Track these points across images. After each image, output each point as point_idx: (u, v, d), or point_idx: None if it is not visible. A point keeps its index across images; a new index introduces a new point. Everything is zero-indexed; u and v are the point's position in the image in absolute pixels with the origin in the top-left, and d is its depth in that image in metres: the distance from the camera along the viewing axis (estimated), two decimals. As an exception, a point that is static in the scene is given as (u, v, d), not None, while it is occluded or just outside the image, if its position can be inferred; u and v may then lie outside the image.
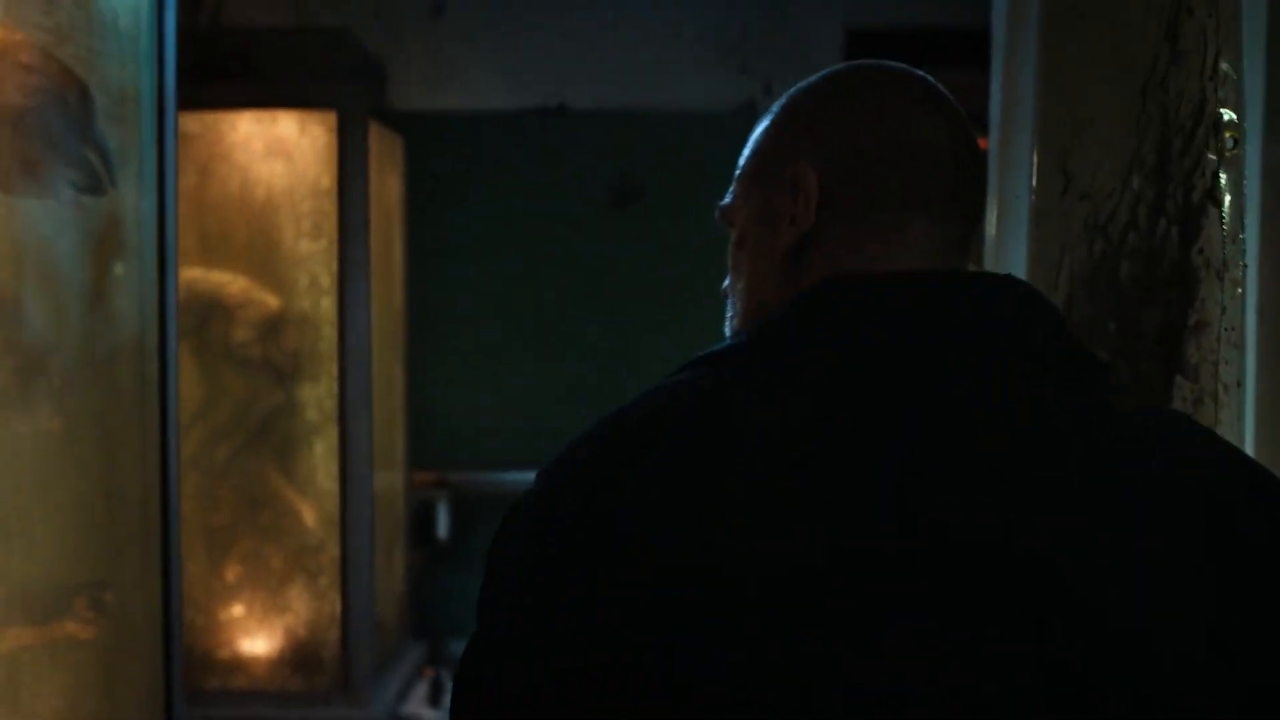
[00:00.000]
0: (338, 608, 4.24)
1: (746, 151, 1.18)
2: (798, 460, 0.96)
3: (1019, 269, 1.95)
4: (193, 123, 4.16)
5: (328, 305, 4.30)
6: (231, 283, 4.32)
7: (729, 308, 1.19)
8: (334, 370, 4.26)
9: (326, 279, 4.29)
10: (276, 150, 4.27)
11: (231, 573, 4.39)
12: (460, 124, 5.27)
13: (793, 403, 1.00)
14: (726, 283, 1.20)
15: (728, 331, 1.19)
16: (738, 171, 1.19)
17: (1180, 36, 1.47)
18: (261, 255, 4.33)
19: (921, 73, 1.13)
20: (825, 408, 0.99)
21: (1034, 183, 1.87)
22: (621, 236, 5.43)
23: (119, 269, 2.36)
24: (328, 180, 4.25)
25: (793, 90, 1.17)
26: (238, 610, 4.34)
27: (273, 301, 4.32)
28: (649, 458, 0.98)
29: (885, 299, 1.04)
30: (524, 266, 5.33)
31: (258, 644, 4.31)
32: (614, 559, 0.96)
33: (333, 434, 4.28)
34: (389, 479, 4.77)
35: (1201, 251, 1.50)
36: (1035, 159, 1.84)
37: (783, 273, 1.11)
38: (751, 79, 5.48)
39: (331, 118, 4.22)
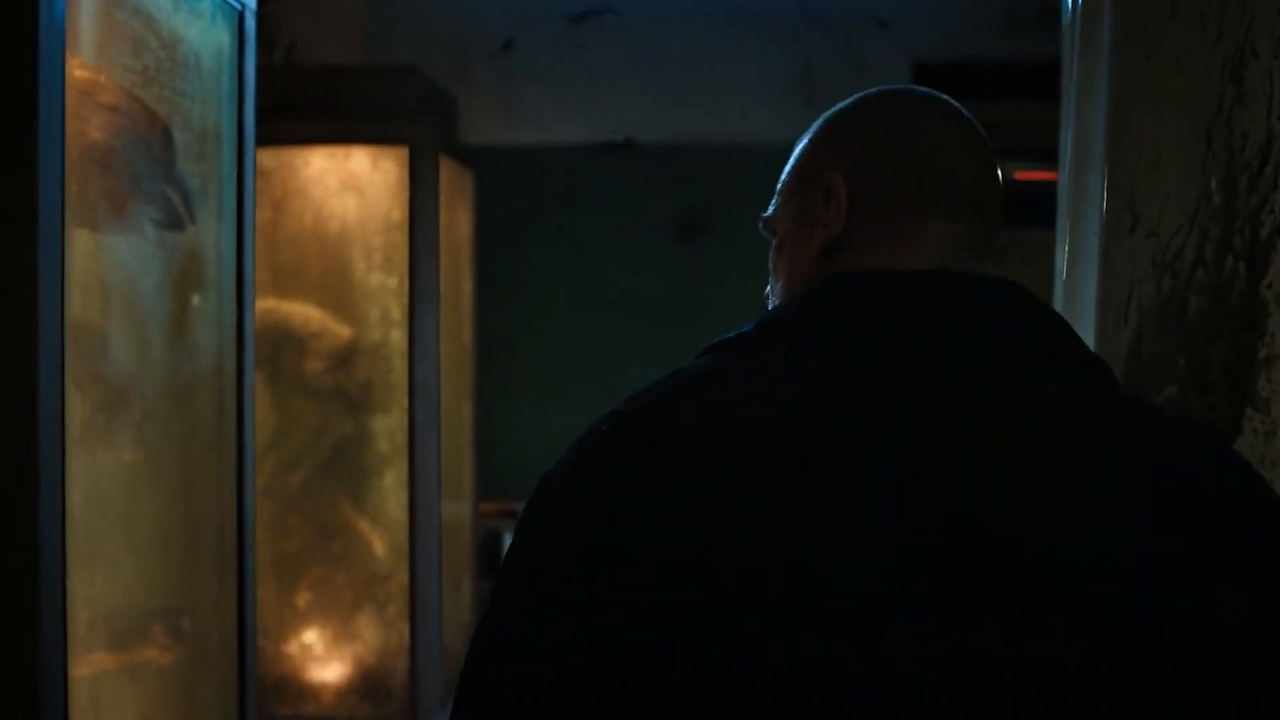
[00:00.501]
0: (406, 637, 4.28)
1: (787, 167, 1.28)
2: (799, 460, 0.99)
3: (1089, 305, 1.96)
4: (267, 158, 4.24)
5: (398, 337, 4.36)
6: (304, 313, 4.39)
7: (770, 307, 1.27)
8: (404, 402, 4.32)
9: (397, 311, 4.35)
10: (349, 185, 4.35)
11: (302, 600, 4.45)
12: (529, 158, 5.33)
13: (796, 399, 1.04)
14: (769, 288, 1.29)
15: None
16: (779, 185, 1.29)
17: (1245, 78, 1.48)
18: (334, 288, 4.40)
19: (943, 95, 1.24)
20: (827, 405, 1.03)
21: (1103, 221, 1.88)
22: (687, 269, 5.46)
23: (199, 302, 2.42)
24: (399, 214, 4.31)
25: (828, 112, 1.28)
26: (308, 637, 4.40)
27: (344, 332, 4.39)
28: (650, 456, 1.02)
29: (884, 298, 1.11)
30: (591, 299, 5.37)
31: (328, 671, 4.36)
32: (615, 559, 0.98)
33: (403, 465, 4.33)
34: (456, 509, 4.82)
35: (1270, 286, 1.51)
36: (1104, 198, 1.85)
37: (817, 271, 1.19)
38: (817, 113, 5.48)
39: (403, 153, 4.30)
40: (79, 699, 1.97)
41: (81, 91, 1.86)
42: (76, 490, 1.96)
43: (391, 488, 4.39)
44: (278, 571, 4.44)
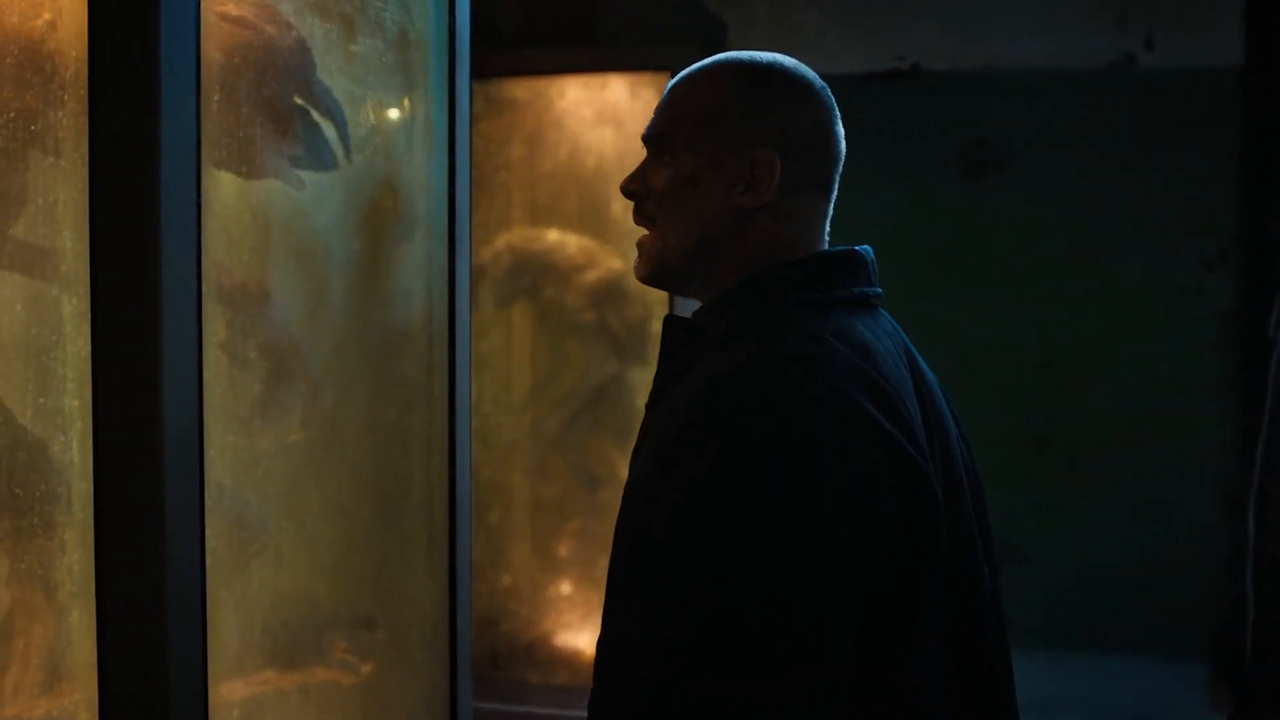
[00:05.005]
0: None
1: (690, 100, 1.45)
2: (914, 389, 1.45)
3: None
4: (520, 89, 3.82)
5: (659, 283, 3.89)
6: (563, 244, 3.97)
7: (656, 220, 1.46)
8: (664, 354, 3.85)
9: (657, 254, 3.87)
10: (606, 116, 3.88)
11: (563, 549, 4.06)
12: (805, 88, 4.76)
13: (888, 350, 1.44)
14: (637, 186, 1.48)
15: (652, 238, 1.48)
16: (678, 112, 1.45)
17: None
18: (591, 228, 3.96)
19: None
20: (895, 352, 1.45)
21: None
22: (975, 209, 4.81)
23: (398, 244, 1.99)
24: (659, 148, 3.83)
25: (747, 65, 1.46)
26: (563, 600, 4.00)
27: (606, 267, 3.95)
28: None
29: (864, 274, 1.52)
30: (870, 239, 4.78)
31: (581, 639, 3.96)
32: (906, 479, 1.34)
33: (661, 421, 3.87)
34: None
35: None
36: None
37: (734, 222, 1.42)
38: (1129, 32, 4.74)
39: (664, 80, 3.79)
40: (228, 721, 1.58)
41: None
42: (225, 472, 1.55)
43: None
44: (535, 520, 4.06)
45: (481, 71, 3.79)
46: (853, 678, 1.24)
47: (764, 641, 1.20)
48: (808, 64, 4.72)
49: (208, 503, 1.47)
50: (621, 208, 3.90)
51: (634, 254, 4.23)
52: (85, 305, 1.41)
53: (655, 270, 1.48)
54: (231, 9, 1.48)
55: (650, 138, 1.47)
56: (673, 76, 3.95)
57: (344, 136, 1.69)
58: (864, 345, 1.35)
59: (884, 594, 1.25)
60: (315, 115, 1.62)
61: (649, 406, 1.47)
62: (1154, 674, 4.59)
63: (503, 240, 3.98)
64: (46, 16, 1.44)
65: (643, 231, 1.50)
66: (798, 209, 1.44)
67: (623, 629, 1.35)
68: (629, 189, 1.48)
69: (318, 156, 1.62)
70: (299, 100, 1.59)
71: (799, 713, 1.20)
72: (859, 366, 1.31)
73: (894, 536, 1.25)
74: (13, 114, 1.43)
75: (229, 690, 1.57)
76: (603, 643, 1.41)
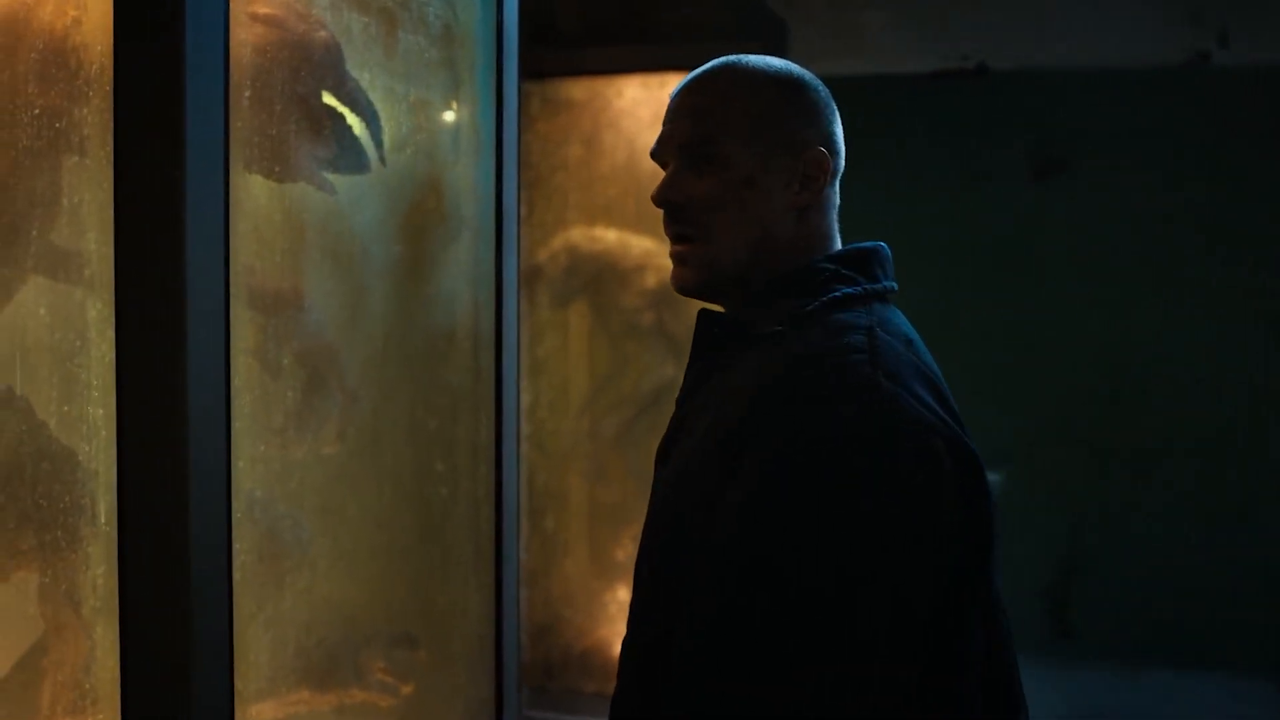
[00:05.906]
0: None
1: (744, 112, 1.40)
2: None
3: None
4: (578, 90, 3.73)
5: (717, 285, 3.78)
6: (625, 246, 3.88)
7: (708, 228, 1.41)
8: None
9: (716, 257, 3.77)
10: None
11: (621, 552, 3.97)
12: (868, 88, 4.63)
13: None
14: (678, 196, 1.41)
15: (700, 247, 1.42)
16: (728, 122, 1.39)
17: None
18: (648, 229, 3.87)
19: None
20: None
21: None
22: (1043, 211, 4.68)
23: (443, 247, 1.91)
24: (718, 149, 3.72)
25: (781, 67, 1.44)
26: (622, 594, 3.90)
27: (668, 266, 3.85)
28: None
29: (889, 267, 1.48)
30: (934, 243, 4.66)
31: (635, 645, 3.86)
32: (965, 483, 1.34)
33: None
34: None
35: None
36: None
37: (791, 220, 1.41)
38: (1203, 29, 4.58)
39: (724, 80, 3.69)
40: (259, 743, 1.51)
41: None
42: (256, 484, 1.48)
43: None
44: (592, 525, 3.97)
45: (538, 72, 3.71)
46: (923, 667, 1.22)
47: (847, 632, 1.19)
48: (870, 63, 4.64)
49: (237, 515, 1.40)
50: (679, 209, 3.81)
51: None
52: (111, 309, 1.35)
53: (711, 277, 1.43)
54: (261, 8, 1.40)
55: (686, 145, 1.42)
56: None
57: (377, 136, 1.61)
58: (906, 336, 1.36)
59: (947, 583, 1.24)
60: (349, 115, 1.54)
61: (680, 402, 1.45)
62: (1223, 690, 4.44)
63: (560, 241, 3.91)
64: (71, 12, 1.37)
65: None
66: (831, 204, 1.46)
67: (667, 627, 1.30)
68: (670, 199, 1.42)
69: (352, 157, 1.55)
70: (332, 99, 1.52)
71: (881, 705, 1.19)
72: (907, 357, 1.32)
73: (956, 524, 1.24)
74: (37, 111, 1.37)
75: (259, 711, 1.49)
76: (632, 644, 1.35)
